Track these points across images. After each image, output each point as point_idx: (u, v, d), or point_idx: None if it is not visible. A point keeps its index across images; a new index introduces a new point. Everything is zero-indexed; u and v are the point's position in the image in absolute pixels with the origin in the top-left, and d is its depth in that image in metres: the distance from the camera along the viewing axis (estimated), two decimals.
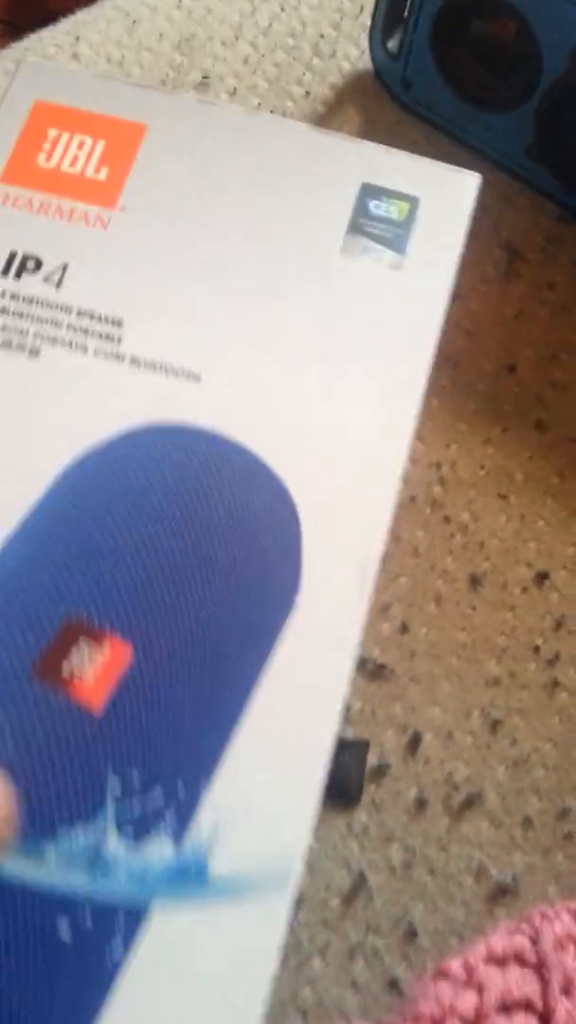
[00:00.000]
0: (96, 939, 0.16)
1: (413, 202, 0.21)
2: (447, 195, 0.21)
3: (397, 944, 0.27)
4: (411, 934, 0.27)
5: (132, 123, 0.22)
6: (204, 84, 0.40)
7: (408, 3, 0.38)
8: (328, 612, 0.18)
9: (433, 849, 0.28)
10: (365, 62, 0.41)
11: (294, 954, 0.26)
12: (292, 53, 0.41)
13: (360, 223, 0.21)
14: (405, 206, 0.21)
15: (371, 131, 0.40)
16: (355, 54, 0.42)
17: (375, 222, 0.21)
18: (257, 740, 0.17)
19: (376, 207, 0.21)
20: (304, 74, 0.41)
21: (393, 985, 0.27)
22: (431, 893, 0.28)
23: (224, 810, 0.17)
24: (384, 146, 0.22)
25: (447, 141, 0.39)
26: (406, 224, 0.21)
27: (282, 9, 0.42)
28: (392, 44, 0.39)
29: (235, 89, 0.40)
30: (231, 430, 0.19)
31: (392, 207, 0.21)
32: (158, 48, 0.41)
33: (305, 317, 0.20)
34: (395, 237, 0.21)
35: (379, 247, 0.21)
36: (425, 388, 0.20)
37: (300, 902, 0.26)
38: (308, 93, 0.40)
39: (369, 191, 0.21)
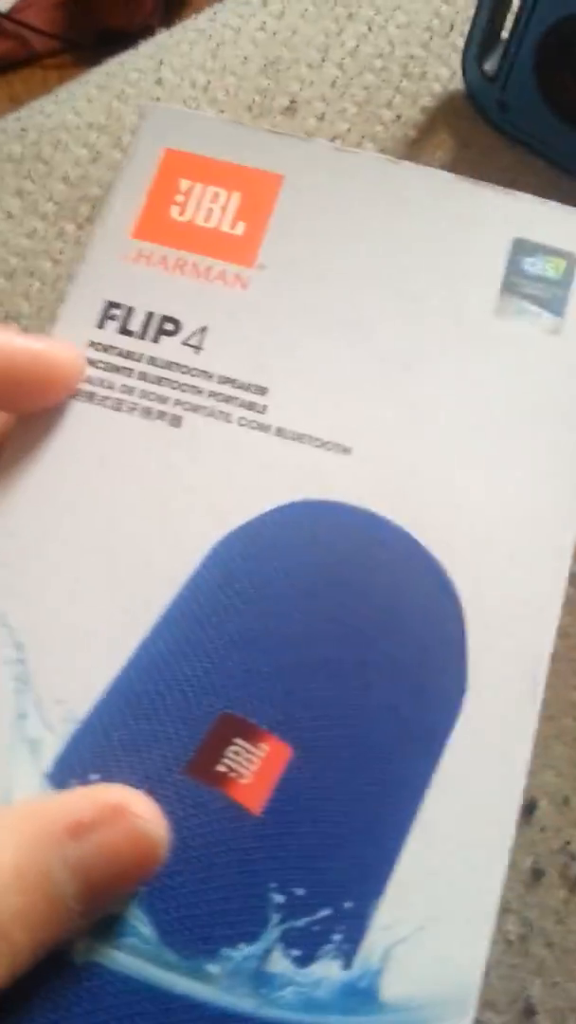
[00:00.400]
0: None
1: (570, 259, 0.20)
2: None
3: (516, 1022, 0.26)
4: (529, 1012, 0.26)
5: (268, 173, 0.21)
6: (291, 109, 0.39)
7: (508, 24, 0.37)
8: (497, 718, 0.17)
9: (550, 922, 0.27)
10: (457, 83, 0.40)
11: None
12: (381, 75, 0.40)
13: (514, 282, 0.19)
14: (562, 263, 0.20)
15: (465, 155, 0.39)
16: (446, 75, 0.40)
17: (530, 281, 0.19)
18: (428, 853, 0.16)
19: (531, 265, 0.19)
20: (394, 97, 0.40)
21: None
22: (549, 968, 0.26)
23: (396, 929, 0.16)
24: (534, 197, 0.20)
25: (544, 165, 0.38)
26: (564, 283, 0.19)
27: (369, 29, 0.41)
28: (489, 65, 0.38)
29: (323, 114, 0.39)
30: (384, 508, 0.18)
31: (548, 264, 0.20)
32: (243, 72, 0.40)
33: (458, 384, 0.19)
34: (552, 297, 0.19)
35: (535, 308, 0.19)
36: None
37: None
38: (399, 116, 0.39)
39: (522, 247, 0.20)
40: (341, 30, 0.41)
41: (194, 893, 0.16)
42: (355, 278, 0.20)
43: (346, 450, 0.19)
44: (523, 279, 0.19)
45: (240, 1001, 0.15)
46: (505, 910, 0.27)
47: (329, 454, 0.18)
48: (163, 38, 0.42)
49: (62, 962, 0.15)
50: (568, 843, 0.27)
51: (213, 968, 0.15)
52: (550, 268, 0.20)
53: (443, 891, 0.16)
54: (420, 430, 0.19)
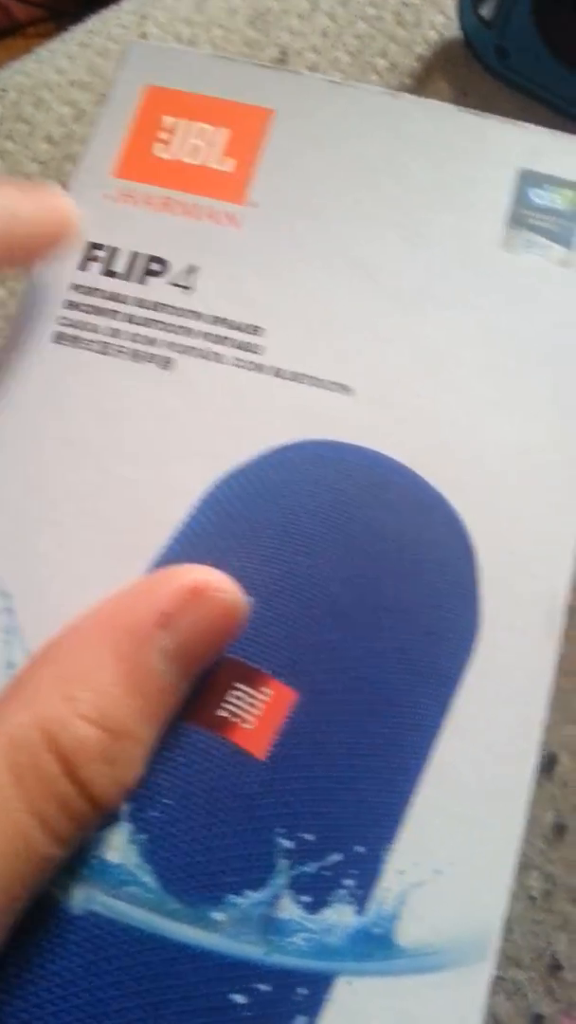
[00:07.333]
0: (274, 1005, 0.15)
1: None
2: None
3: (541, 978, 0.25)
4: (555, 967, 0.26)
5: (257, 108, 0.20)
6: (281, 60, 0.38)
7: None
8: (513, 657, 0.16)
9: (574, 877, 0.26)
10: (453, 30, 0.39)
11: None
12: (374, 24, 0.39)
13: (522, 215, 0.19)
14: (570, 194, 0.19)
15: (464, 103, 0.37)
16: (441, 21, 0.39)
17: (538, 213, 0.19)
18: (445, 796, 0.15)
19: (538, 196, 0.19)
20: (388, 45, 0.38)
21: (538, 1021, 0.25)
22: (573, 923, 0.26)
23: (412, 873, 0.15)
24: (541, 128, 0.20)
25: (547, 112, 0.37)
26: (573, 214, 0.19)
27: None
28: (485, 11, 0.37)
29: (315, 64, 0.38)
30: (388, 449, 0.17)
31: (556, 196, 0.19)
32: (230, 24, 0.39)
33: (466, 320, 0.18)
34: (561, 230, 0.18)
35: (544, 241, 0.18)
36: None
37: None
38: (393, 65, 0.38)
39: (529, 179, 0.19)
40: None
41: (197, 840, 0.15)
42: (354, 214, 0.19)
43: (347, 390, 0.18)
44: (531, 211, 0.19)
45: (248, 948, 0.15)
46: (527, 866, 0.26)
47: (330, 394, 0.18)
48: None
49: (59, 912, 0.15)
50: None
51: (218, 915, 0.15)
52: (559, 199, 0.19)
53: (461, 835, 0.15)
54: (425, 368, 0.18)
